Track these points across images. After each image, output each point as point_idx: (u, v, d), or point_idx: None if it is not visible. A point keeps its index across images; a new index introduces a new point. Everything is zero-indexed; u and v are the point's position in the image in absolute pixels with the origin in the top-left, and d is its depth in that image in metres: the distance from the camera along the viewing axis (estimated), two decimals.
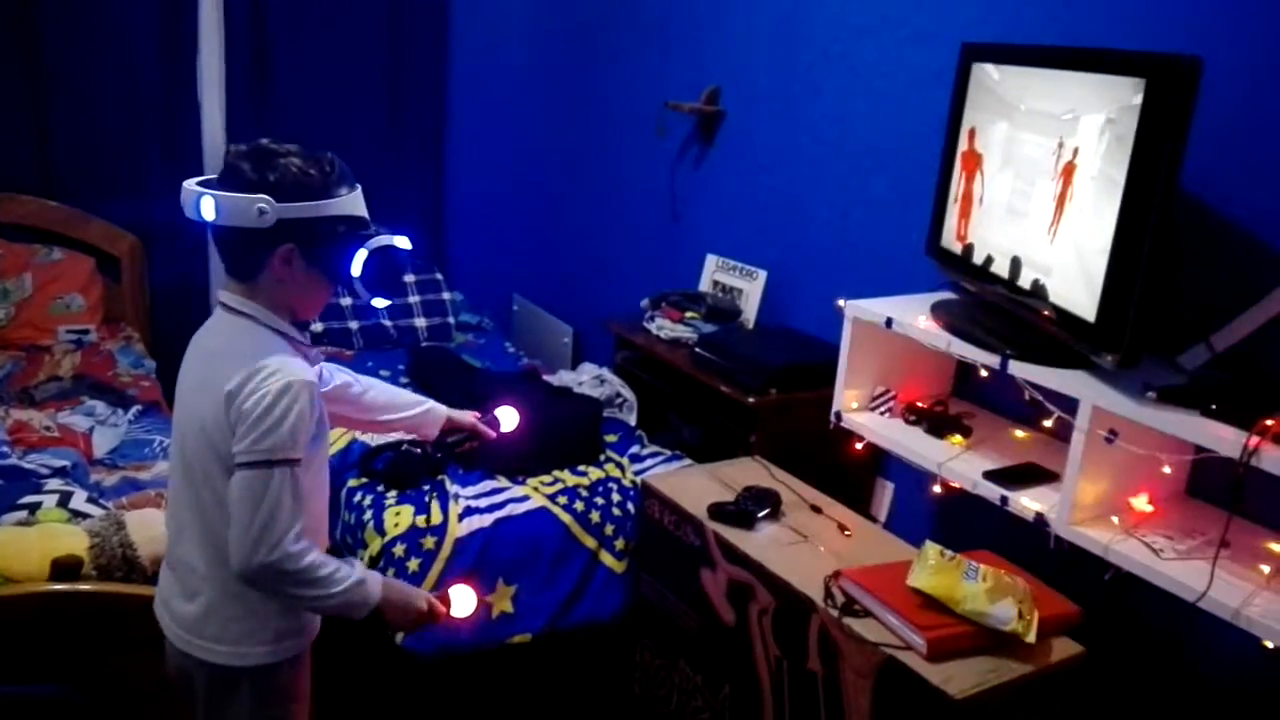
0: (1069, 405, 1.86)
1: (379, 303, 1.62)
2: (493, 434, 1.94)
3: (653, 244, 3.68)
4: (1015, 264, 2.05)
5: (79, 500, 2.20)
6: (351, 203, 1.54)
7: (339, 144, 4.06)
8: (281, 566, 1.44)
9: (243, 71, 3.80)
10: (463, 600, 1.72)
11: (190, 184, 1.51)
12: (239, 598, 1.53)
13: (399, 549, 2.36)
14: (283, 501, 1.44)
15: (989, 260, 2.15)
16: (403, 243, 1.58)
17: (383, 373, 3.44)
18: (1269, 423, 1.56)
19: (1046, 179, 1.93)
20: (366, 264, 1.53)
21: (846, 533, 2.20)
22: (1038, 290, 1.97)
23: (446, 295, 3.99)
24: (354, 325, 3.73)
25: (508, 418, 1.96)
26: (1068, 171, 1.87)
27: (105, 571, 2.01)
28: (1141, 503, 1.88)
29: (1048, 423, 2.03)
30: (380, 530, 2.43)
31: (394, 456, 2.65)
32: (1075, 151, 1.86)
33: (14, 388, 3.11)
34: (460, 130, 4.36)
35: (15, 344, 3.43)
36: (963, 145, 2.23)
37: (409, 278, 3.91)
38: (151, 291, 3.82)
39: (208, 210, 1.47)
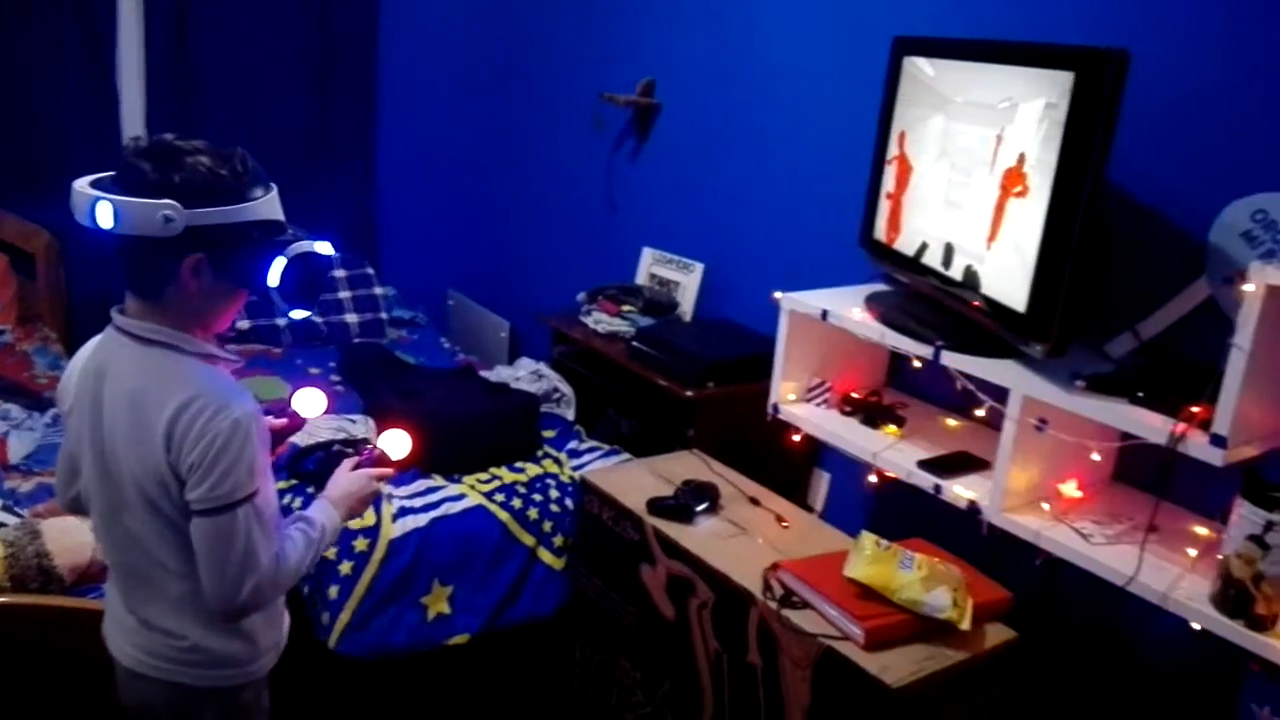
0: (1000, 394, 1.88)
1: (298, 314, 1.50)
2: (391, 472, 1.73)
3: (589, 237, 3.65)
4: (948, 252, 2.06)
5: None
6: (267, 206, 1.41)
7: (265, 133, 3.99)
8: (263, 591, 1.41)
9: (163, 59, 3.67)
10: (397, 445, 1.70)
11: (82, 185, 1.34)
12: (225, 628, 1.49)
13: (330, 552, 2.30)
14: (252, 535, 1.38)
15: (922, 250, 2.16)
16: (324, 248, 1.48)
17: (313, 370, 3.37)
18: (1195, 409, 1.59)
19: (984, 170, 1.94)
20: (285, 273, 1.42)
21: (784, 524, 2.20)
22: (970, 280, 1.99)
23: (379, 290, 3.92)
24: (282, 322, 3.63)
25: (395, 446, 1.74)
26: (1016, 165, 1.87)
27: (20, 583, 1.93)
28: (1071, 489, 1.91)
29: (979, 412, 2.06)
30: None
31: (324, 457, 2.58)
32: (1015, 142, 1.85)
33: None
34: (392, 121, 4.28)
35: None
36: (895, 137, 2.24)
37: (339, 273, 3.83)
38: (69, 290, 3.68)
39: (104, 217, 1.31)
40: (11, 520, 2.11)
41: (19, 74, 3.48)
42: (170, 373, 1.39)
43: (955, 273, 2.04)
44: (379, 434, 1.76)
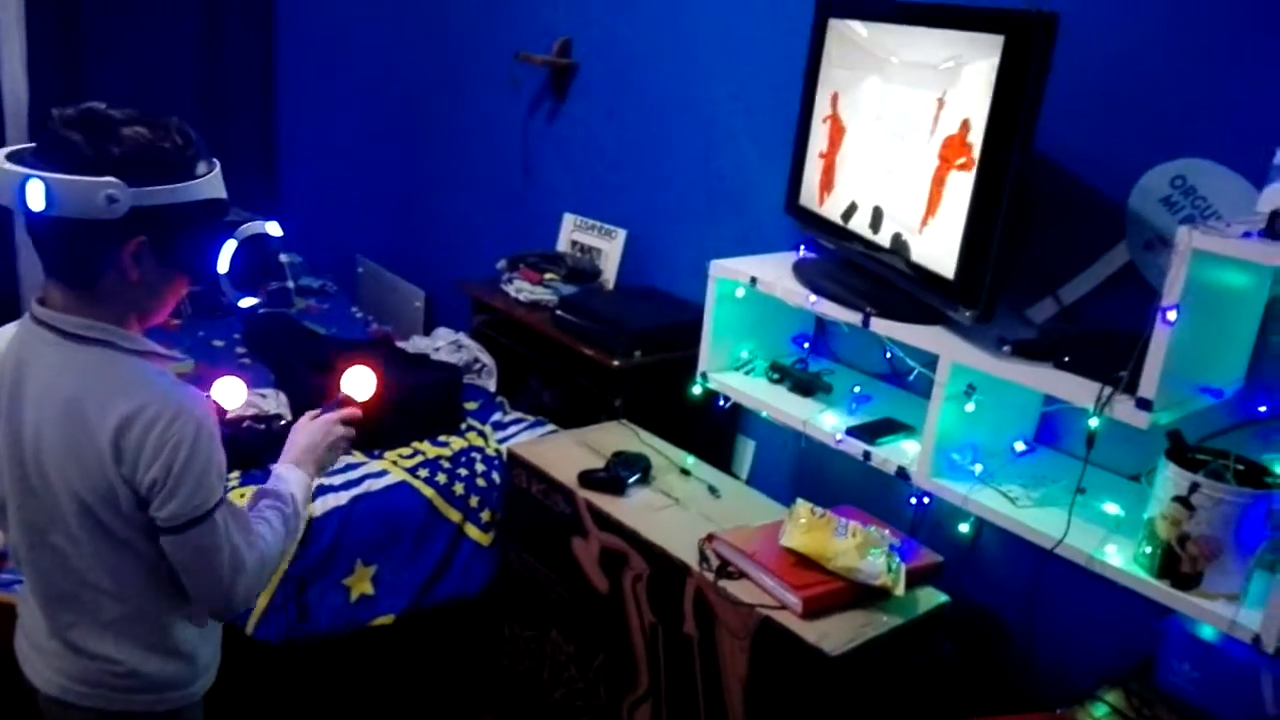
0: (928, 360, 1.89)
1: (246, 302, 1.38)
2: (358, 413, 1.62)
3: (507, 203, 3.56)
4: (876, 216, 2.05)
5: None
6: (212, 182, 1.28)
7: (157, 91, 3.76)
8: (253, 585, 1.34)
9: (42, 7, 3.42)
10: (360, 384, 1.61)
11: (1, 161, 1.18)
12: (166, 648, 1.39)
13: None
14: (233, 535, 1.29)
15: (850, 212, 2.14)
16: (274, 229, 1.36)
17: (216, 343, 3.22)
18: (1120, 374, 1.62)
19: (922, 136, 1.90)
20: (235, 257, 1.30)
21: (716, 494, 2.20)
22: (898, 247, 1.99)
23: (284, 258, 3.76)
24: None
25: (359, 385, 1.64)
26: (959, 134, 1.82)
27: None
28: (999, 453, 1.94)
29: (908, 378, 2.07)
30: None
31: (232, 434, 2.46)
32: (958, 106, 1.81)
33: None
34: (292, 77, 4.09)
35: None
36: (829, 97, 2.21)
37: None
38: None
39: (35, 198, 1.15)
40: None
41: None
42: (110, 376, 1.25)
43: (882, 238, 2.03)
44: (338, 377, 1.63)
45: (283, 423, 2.54)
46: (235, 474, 2.37)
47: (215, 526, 1.28)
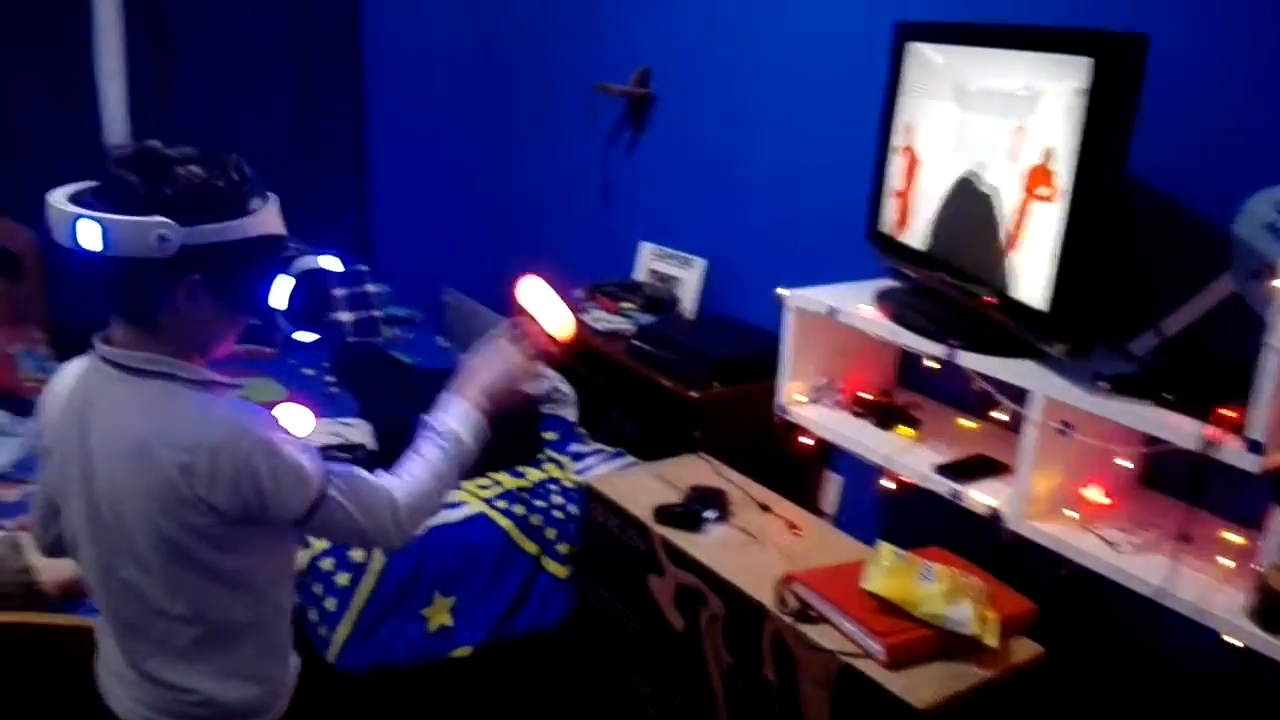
0: (1019, 395, 1.81)
1: (304, 337, 1.38)
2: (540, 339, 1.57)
3: (585, 232, 3.57)
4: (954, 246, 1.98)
5: None
6: (267, 218, 1.28)
7: (251, 128, 3.89)
8: (415, 511, 1.40)
9: (144, 52, 3.56)
10: (553, 315, 1.53)
11: (59, 199, 1.20)
12: (241, 673, 1.40)
13: (326, 563, 2.23)
14: (358, 498, 1.35)
15: (934, 243, 2.07)
16: (332, 264, 1.37)
17: (306, 371, 3.29)
18: (1226, 413, 1.52)
19: (1004, 160, 1.84)
20: (292, 294, 1.31)
21: (796, 531, 2.14)
22: (982, 279, 1.91)
23: (372, 288, 3.82)
24: None
25: (552, 315, 1.56)
26: (1041, 163, 1.77)
27: (2, 600, 1.85)
28: (1096, 495, 1.84)
29: (998, 414, 1.99)
30: (304, 542, 2.29)
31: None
32: (1039, 134, 1.75)
33: None
34: (382, 116, 4.17)
35: None
36: (901, 128, 2.16)
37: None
38: (55, 290, 3.59)
39: (89, 238, 1.16)
40: None
41: None
42: (172, 411, 1.27)
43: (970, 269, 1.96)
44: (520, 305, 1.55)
45: (363, 452, 2.57)
46: None
47: (333, 503, 1.33)
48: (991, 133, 1.88)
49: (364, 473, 1.41)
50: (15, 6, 3.36)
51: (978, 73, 1.93)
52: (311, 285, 1.34)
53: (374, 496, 1.38)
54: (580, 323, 2.98)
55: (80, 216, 1.17)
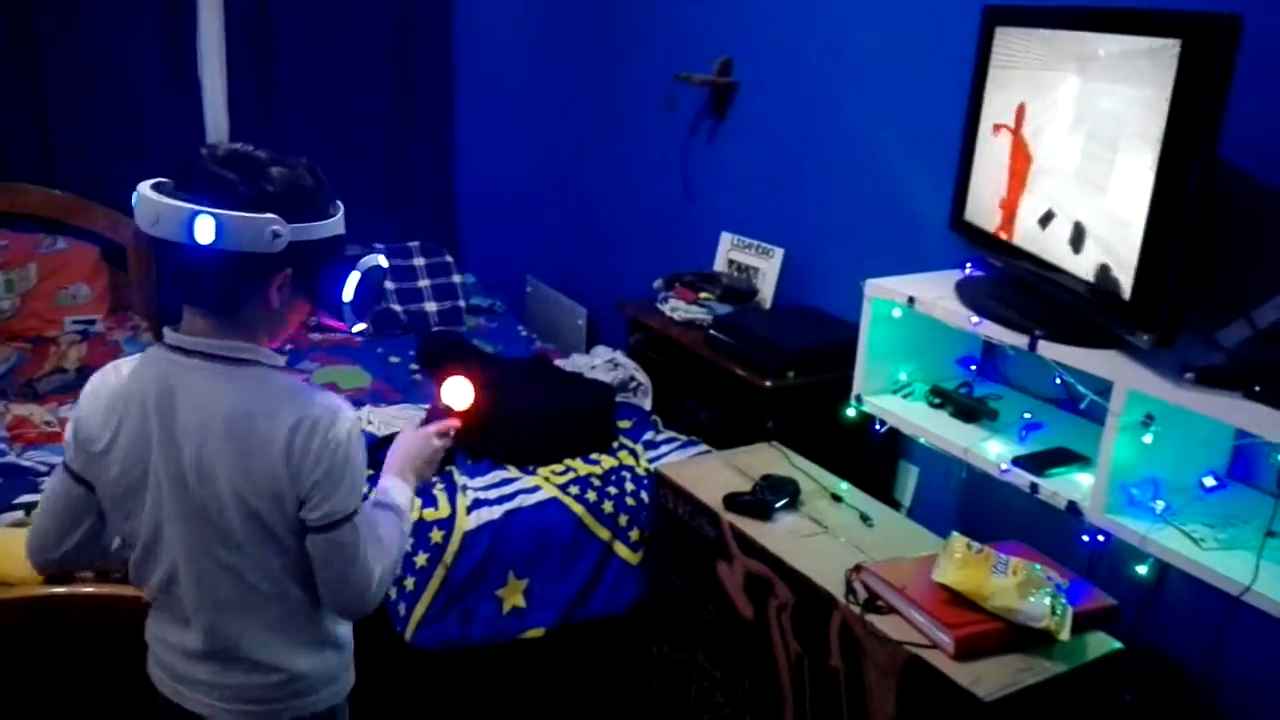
0: (1102, 386, 1.76)
1: (361, 327, 1.44)
2: (456, 424, 1.66)
3: (666, 222, 3.58)
4: (1078, 232, 1.86)
5: None
6: (341, 219, 1.37)
7: (347, 122, 3.98)
8: (384, 583, 1.42)
9: (243, 49, 3.69)
10: (458, 395, 1.65)
11: (166, 195, 1.24)
12: (320, 640, 1.47)
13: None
14: (366, 540, 1.38)
15: (1047, 220, 1.96)
16: (384, 261, 1.45)
17: (392, 359, 3.38)
18: None
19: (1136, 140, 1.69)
20: (359, 287, 1.38)
21: (868, 522, 2.11)
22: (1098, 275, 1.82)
23: (457, 278, 3.91)
24: None
25: (456, 395, 1.66)
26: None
27: (103, 573, 1.95)
28: (1180, 489, 1.78)
29: (1080, 405, 1.94)
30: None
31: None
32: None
33: (18, 380, 3.07)
34: (469, 107, 4.25)
35: (21, 335, 3.37)
36: (1000, 110, 2.09)
37: (418, 261, 3.83)
38: (159, 279, 3.76)
39: (204, 232, 1.21)
40: None
41: (102, 69, 3.53)
42: (270, 390, 1.34)
43: (1085, 259, 1.84)
44: (437, 387, 1.69)
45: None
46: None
47: (356, 528, 1.36)
48: (1118, 102, 1.75)
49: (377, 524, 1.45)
50: (121, 13, 3.51)
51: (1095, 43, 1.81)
52: (372, 280, 1.41)
53: (375, 547, 1.41)
54: (660, 313, 3.00)
55: (199, 212, 1.22)
